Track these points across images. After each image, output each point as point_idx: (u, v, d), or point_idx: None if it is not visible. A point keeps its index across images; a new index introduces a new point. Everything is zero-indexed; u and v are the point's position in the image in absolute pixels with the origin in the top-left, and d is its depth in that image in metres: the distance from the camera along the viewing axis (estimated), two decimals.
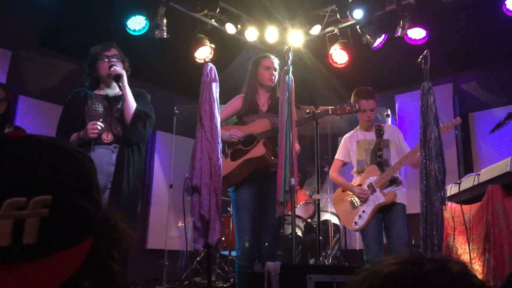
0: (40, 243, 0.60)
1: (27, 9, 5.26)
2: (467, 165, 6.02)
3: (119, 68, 3.17)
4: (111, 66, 3.16)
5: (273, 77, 3.66)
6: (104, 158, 3.05)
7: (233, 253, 5.31)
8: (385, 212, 3.74)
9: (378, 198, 3.71)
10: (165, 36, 5.32)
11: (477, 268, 3.27)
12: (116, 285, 0.71)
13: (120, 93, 3.17)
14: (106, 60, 3.21)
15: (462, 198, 3.66)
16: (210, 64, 3.38)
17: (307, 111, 3.77)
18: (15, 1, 5.21)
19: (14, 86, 5.43)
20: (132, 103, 3.15)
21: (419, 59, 3.20)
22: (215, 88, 3.34)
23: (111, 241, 0.72)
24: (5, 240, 0.58)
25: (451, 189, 3.88)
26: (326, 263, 5.51)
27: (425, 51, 3.17)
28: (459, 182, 3.79)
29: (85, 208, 0.66)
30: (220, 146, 3.23)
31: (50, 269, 0.60)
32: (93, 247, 0.66)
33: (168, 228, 6.14)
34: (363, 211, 3.72)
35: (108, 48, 3.26)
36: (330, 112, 3.63)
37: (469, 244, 3.49)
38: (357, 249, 6.09)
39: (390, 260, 0.77)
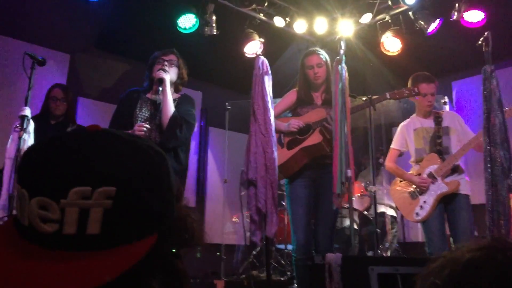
0: (103, 234, 0.62)
1: (83, 14, 5.47)
2: None
3: (163, 73, 3.20)
4: (159, 69, 3.22)
5: (318, 75, 3.60)
6: None
7: (289, 247, 5.31)
8: (447, 203, 3.60)
9: (440, 188, 3.57)
10: (214, 33, 5.37)
11: None
12: (180, 282, 0.72)
13: None
14: (161, 63, 3.27)
15: None
16: (262, 58, 3.39)
17: (363, 98, 3.70)
18: (72, 7, 5.42)
19: (73, 88, 5.65)
20: (169, 108, 3.15)
21: (480, 42, 3.06)
22: (268, 81, 3.34)
23: (180, 240, 0.72)
24: (71, 228, 0.61)
25: None
26: (384, 255, 5.40)
27: (486, 33, 3.03)
28: None
29: (151, 205, 0.66)
30: (274, 139, 3.23)
31: (108, 261, 0.62)
32: (157, 244, 0.67)
33: (224, 222, 6.22)
34: (425, 202, 3.59)
35: (167, 53, 3.32)
36: (388, 97, 3.55)
37: None
38: (418, 241, 5.93)
39: (470, 246, 0.74)
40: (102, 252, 0.62)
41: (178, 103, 3.26)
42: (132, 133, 0.73)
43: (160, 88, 3.15)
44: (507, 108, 3.35)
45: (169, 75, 3.23)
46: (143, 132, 3.08)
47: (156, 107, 3.25)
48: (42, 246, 0.62)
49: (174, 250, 0.72)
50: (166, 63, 3.26)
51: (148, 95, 3.32)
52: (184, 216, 0.74)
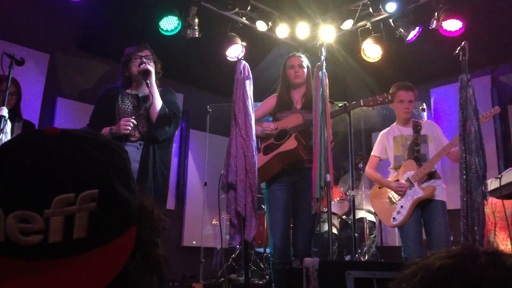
0: (90, 236, 0.61)
1: (63, 13, 5.40)
2: (506, 159, 5.85)
3: (149, 66, 3.21)
4: (141, 63, 3.21)
5: (298, 74, 3.65)
6: (130, 155, 3.09)
7: (268, 250, 5.32)
8: (424, 208, 3.66)
9: (417, 193, 3.64)
10: (197, 36, 5.37)
11: None
12: (160, 268, 0.73)
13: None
14: (138, 60, 3.26)
15: (503, 193, 3.55)
16: (243, 62, 3.39)
17: (340, 105, 3.75)
18: (52, 6, 5.35)
19: (52, 88, 5.59)
20: (158, 101, 3.18)
21: (457, 51, 3.12)
22: (249, 86, 3.35)
23: (150, 227, 0.73)
24: (57, 237, 0.59)
25: (491, 184, 3.77)
26: (362, 260, 5.46)
27: (463, 43, 3.09)
28: (499, 176, 3.68)
29: (127, 198, 0.67)
30: (254, 143, 3.24)
31: (103, 260, 0.62)
32: (137, 235, 0.68)
33: (203, 225, 6.20)
34: (401, 206, 3.65)
35: (141, 49, 3.32)
36: (362, 104, 3.62)
37: (511, 239, 3.39)
38: (395, 246, 6.00)
39: (441, 253, 0.76)
40: (91, 252, 0.61)
41: (162, 95, 3.27)
42: (89, 131, 0.71)
43: (148, 82, 3.15)
44: (483, 113, 3.42)
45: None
46: (129, 127, 3.07)
47: (139, 100, 3.25)
48: (25, 258, 0.59)
49: (153, 238, 0.73)
50: (143, 59, 3.25)
51: (128, 91, 3.32)
52: (144, 204, 0.75)
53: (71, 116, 5.58)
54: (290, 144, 3.50)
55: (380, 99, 3.61)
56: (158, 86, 3.33)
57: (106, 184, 0.64)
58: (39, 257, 0.59)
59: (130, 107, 3.23)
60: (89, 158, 0.64)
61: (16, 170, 0.61)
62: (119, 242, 0.64)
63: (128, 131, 3.08)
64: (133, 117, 3.15)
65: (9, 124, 3.14)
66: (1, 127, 3.04)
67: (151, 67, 3.23)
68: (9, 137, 3.14)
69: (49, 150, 0.63)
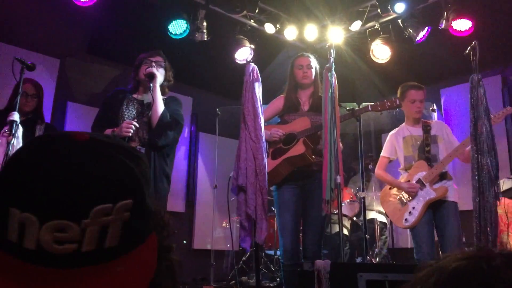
0: (121, 244, 0.62)
1: (73, 18, 5.44)
2: None
3: (154, 69, 3.22)
4: (149, 67, 3.22)
5: (307, 75, 3.65)
6: None
7: (278, 252, 5.31)
8: (436, 209, 3.62)
9: (429, 194, 3.60)
10: (205, 39, 5.39)
11: None
12: (175, 273, 0.73)
13: None
14: (147, 64, 3.27)
15: None
16: (252, 64, 3.40)
17: (347, 108, 3.73)
18: (62, 11, 5.40)
19: (63, 93, 5.64)
20: (160, 106, 3.17)
21: (467, 51, 3.10)
22: (258, 88, 3.36)
23: (164, 232, 0.74)
24: (90, 245, 0.60)
25: (504, 184, 3.75)
26: (374, 261, 5.43)
27: (473, 42, 3.07)
28: (511, 176, 3.65)
29: (150, 204, 0.69)
30: (264, 145, 3.25)
31: (134, 267, 0.63)
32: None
33: (213, 228, 6.21)
34: (413, 207, 3.61)
35: (154, 55, 3.34)
36: (370, 109, 3.60)
37: None
38: (407, 247, 5.96)
39: (456, 255, 0.75)
40: (120, 259, 0.62)
41: (166, 102, 3.27)
42: (111, 137, 0.71)
43: (151, 85, 3.15)
44: (494, 114, 3.39)
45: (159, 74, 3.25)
46: (131, 130, 3.06)
47: (143, 107, 3.25)
48: (57, 267, 0.59)
49: (168, 243, 0.73)
50: (153, 64, 3.26)
51: (135, 95, 3.33)
52: (158, 207, 0.75)
53: (81, 120, 5.62)
54: (298, 149, 3.48)
55: (389, 103, 3.59)
56: (164, 95, 3.33)
57: (139, 193, 0.65)
58: (71, 265, 0.59)
59: (134, 113, 3.23)
60: (123, 167, 0.65)
61: (53, 179, 0.60)
62: (144, 249, 0.65)
63: (130, 134, 3.08)
64: (135, 120, 3.14)
65: (20, 129, 3.16)
66: (13, 132, 3.06)
67: (159, 73, 3.23)
68: (20, 141, 3.16)
69: (84, 158, 0.63)
